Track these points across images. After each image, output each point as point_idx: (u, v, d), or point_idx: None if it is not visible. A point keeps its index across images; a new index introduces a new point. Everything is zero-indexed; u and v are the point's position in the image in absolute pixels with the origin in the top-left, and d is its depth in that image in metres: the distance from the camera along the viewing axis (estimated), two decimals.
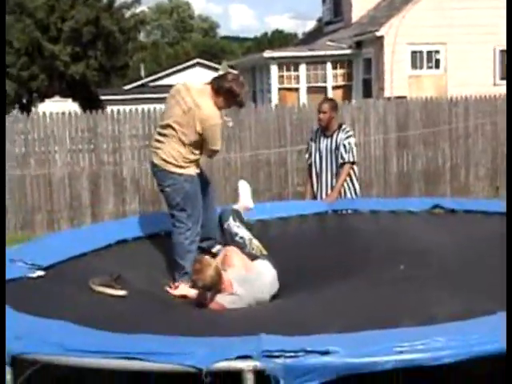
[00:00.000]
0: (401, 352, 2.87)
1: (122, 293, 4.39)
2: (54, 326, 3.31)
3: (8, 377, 3.17)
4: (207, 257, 4.43)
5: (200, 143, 5.01)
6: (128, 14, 37.71)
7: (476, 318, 3.25)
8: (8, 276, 4.35)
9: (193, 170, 5.13)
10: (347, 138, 6.66)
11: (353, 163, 6.69)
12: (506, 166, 11.23)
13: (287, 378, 2.86)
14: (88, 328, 3.27)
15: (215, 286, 4.30)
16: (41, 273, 4.73)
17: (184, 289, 4.75)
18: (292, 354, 2.90)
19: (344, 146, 6.61)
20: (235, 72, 4.78)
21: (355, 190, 6.78)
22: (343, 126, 6.84)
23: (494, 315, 3.23)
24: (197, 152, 5.06)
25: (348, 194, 6.75)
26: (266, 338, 3.03)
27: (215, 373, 2.88)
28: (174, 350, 2.97)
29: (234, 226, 5.06)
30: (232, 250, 4.80)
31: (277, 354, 2.90)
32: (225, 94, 4.99)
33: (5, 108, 10.96)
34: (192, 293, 4.64)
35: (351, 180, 6.76)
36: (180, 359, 2.93)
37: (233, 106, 5.20)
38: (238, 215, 5.25)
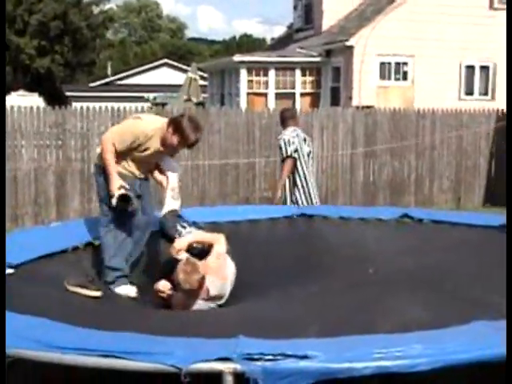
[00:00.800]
0: (379, 358, 2.93)
1: (96, 294, 4.38)
2: (32, 322, 3.29)
3: None
4: (197, 262, 4.36)
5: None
6: (96, 10, 37.46)
7: (450, 326, 3.32)
8: None
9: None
10: (278, 140, 7.42)
11: (288, 157, 7.20)
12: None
13: (266, 381, 2.89)
14: (67, 325, 3.25)
15: (197, 291, 4.29)
16: (10, 271, 4.69)
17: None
18: (271, 358, 2.93)
19: (278, 146, 7.36)
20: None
21: (295, 182, 7.24)
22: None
23: (470, 324, 3.31)
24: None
25: (287, 189, 7.28)
26: (245, 341, 3.05)
27: (196, 374, 2.89)
28: (154, 350, 2.98)
29: (186, 233, 4.91)
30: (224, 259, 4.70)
31: (256, 356, 2.93)
32: (174, 126, 4.86)
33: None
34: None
35: (292, 174, 7.26)
36: (160, 358, 2.93)
37: (180, 144, 4.93)
38: (182, 219, 5.08)
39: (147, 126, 4.89)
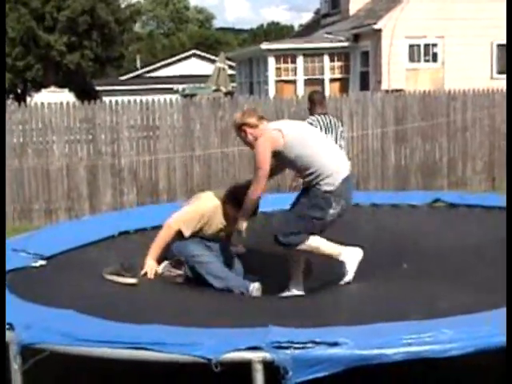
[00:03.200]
0: (409, 344, 2.89)
1: (132, 281, 4.41)
2: (62, 315, 3.32)
3: (15, 366, 3.18)
4: None
5: None
6: (124, 4, 37.59)
7: (482, 311, 3.27)
8: (11, 266, 4.37)
9: None
10: None
11: None
12: (505, 162, 11.22)
13: (296, 369, 2.88)
14: (96, 318, 3.28)
15: None
16: (43, 262, 4.75)
17: None
18: (301, 346, 2.92)
19: None
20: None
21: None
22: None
23: (500, 309, 3.25)
24: None
25: None
26: (275, 330, 3.04)
27: (226, 364, 2.89)
28: (184, 341, 2.99)
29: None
30: None
31: (286, 345, 2.92)
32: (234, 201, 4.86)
33: (4, 104, 10.88)
34: None
35: None
36: (189, 350, 2.94)
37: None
38: None
39: (207, 206, 4.91)
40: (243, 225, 4.65)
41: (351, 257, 4.50)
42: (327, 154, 4.60)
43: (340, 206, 4.50)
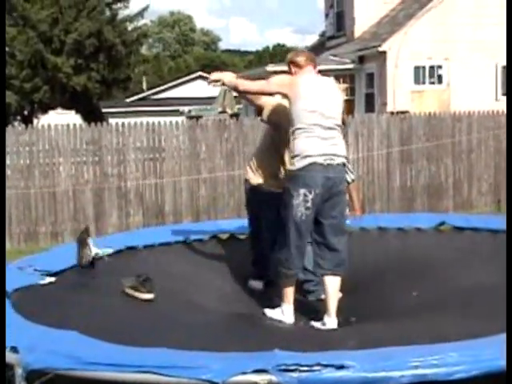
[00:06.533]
0: (415, 367, 2.89)
1: (147, 297, 4.35)
2: (67, 337, 3.32)
3: None
4: None
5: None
6: (130, 27, 37.78)
7: (487, 335, 3.26)
8: (18, 284, 4.37)
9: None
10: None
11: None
12: (506, 174, 11.23)
13: None
14: (102, 340, 3.28)
15: None
16: (51, 279, 4.73)
17: None
18: (307, 368, 2.92)
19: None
20: None
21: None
22: None
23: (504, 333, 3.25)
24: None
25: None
26: (281, 353, 3.04)
27: None
28: (190, 364, 2.98)
29: None
30: None
31: (292, 367, 2.92)
32: None
33: (5, 117, 10.95)
34: None
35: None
36: (196, 373, 2.94)
37: None
38: None
39: None
40: None
41: (279, 314, 4.34)
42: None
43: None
